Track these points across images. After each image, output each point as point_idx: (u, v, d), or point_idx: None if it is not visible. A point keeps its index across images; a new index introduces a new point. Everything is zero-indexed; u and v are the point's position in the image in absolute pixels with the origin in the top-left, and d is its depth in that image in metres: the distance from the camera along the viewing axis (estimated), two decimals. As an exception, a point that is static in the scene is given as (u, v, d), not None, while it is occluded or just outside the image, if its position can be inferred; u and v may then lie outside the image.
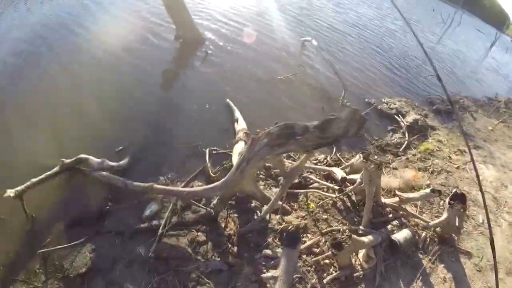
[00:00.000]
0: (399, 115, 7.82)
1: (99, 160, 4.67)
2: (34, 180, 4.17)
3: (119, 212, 4.24)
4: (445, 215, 4.69)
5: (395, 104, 8.22)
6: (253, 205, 4.53)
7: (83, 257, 3.67)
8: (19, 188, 3.98)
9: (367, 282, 3.99)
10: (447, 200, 4.74)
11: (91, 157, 4.63)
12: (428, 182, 6.06)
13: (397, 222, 4.79)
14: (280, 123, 3.43)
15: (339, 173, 4.97)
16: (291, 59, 9.20)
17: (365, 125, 3.79)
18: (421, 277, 4.25)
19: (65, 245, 3.74)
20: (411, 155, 6.79)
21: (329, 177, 5.30)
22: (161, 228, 3.99)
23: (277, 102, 7.26)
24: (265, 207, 4.27)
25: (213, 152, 5.33)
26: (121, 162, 4.87)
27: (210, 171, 4.86)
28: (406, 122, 7.60)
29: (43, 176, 4.29)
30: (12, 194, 3.88)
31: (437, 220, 4.84)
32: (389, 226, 4.66)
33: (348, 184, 4.89)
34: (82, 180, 4.58)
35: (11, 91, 6.13)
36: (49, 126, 5.48)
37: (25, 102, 5.91)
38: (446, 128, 8.29)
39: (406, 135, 7.25)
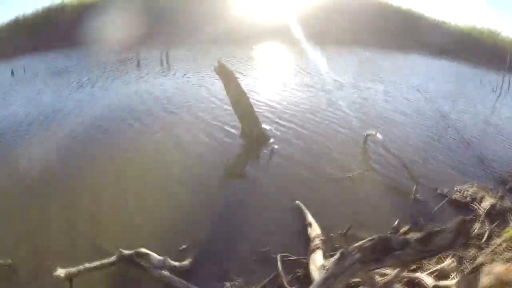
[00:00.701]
0: (475, 202, 7.17)
1: (160, 257, 4.57)
2: (87, 265, 4.02)
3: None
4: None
5: (468, 191, 7.62)
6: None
7: None
8: (70, 270, 3.86)
9: None
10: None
11: (151, 253, 4.53)
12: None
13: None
14: (374, 237, 3.12)
15: (428, 281, 4.35)
16: (356, 155, 9.04)
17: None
18: None
19: None
20: (495, 246, 5.97)
21: (413, 283, 4.64)
22: None
23: (347, 202, 6.81)
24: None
25: (285, 258, 4.94)
26: (183, 263, 4.71)
27: (284, 281, 4.47)
28: (483, 209, 6.90)
29: (98, 263, 4.14)
30: (62, 275, 3.77)
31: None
32: None
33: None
34: (139, 275, 4.35)
35: (74, 169, 6.37)
36: (111, 212, 5.62)
37: (90, 184, 6.13)
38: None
39: (487, 223, 6.57)
